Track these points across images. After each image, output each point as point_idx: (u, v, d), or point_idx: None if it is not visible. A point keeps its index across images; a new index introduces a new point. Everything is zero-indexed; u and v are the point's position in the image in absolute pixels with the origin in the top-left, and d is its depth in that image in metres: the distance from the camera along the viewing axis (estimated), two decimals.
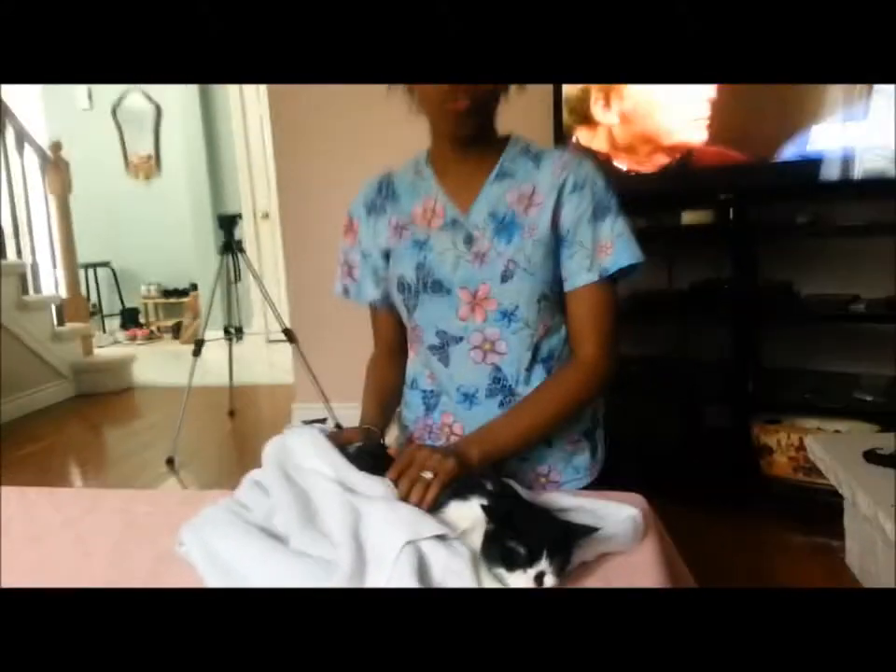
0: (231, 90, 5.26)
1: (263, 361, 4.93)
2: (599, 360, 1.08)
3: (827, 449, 1.65)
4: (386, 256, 1.17)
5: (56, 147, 4.18)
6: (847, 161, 1.85)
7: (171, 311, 6.17)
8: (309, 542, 0.84)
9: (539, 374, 1.11)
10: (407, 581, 0.76)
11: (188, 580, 0.86)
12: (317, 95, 2.80)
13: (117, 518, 1.12)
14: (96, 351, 4.45)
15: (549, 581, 0.75)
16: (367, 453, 0.99)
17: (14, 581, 0.90)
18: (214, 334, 3.24)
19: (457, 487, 0.88)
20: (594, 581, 0.82)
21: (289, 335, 3.00)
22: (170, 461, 2.80)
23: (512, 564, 0.74)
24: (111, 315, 6.30)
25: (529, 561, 0.74)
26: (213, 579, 0.83)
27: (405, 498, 0.86)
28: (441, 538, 0.80)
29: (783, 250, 2.18)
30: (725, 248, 2.14)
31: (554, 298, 1.10)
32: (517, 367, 1.10)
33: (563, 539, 0.77)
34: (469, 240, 1.09)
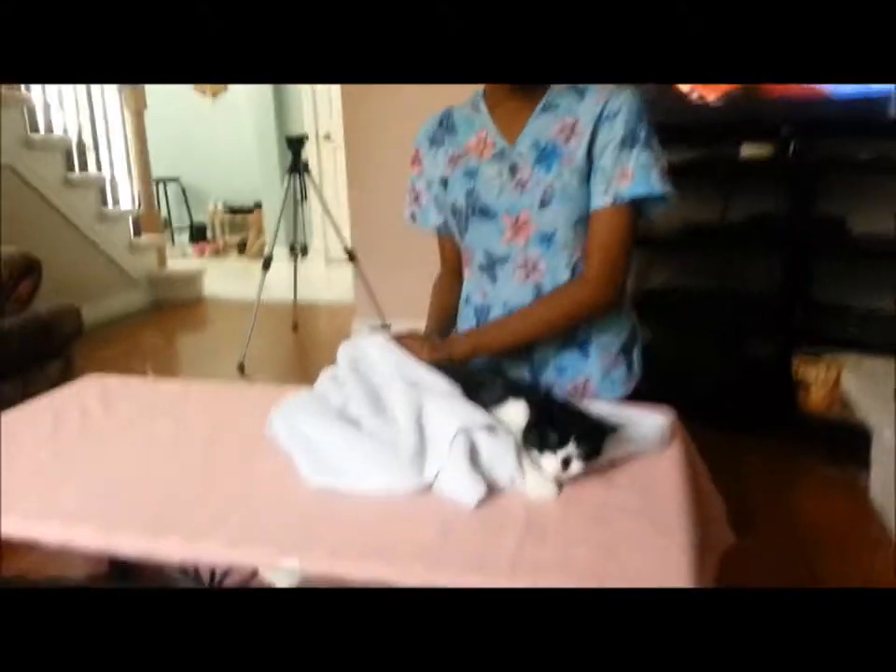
0: None
1: (323, 280, 5.11)
2: (599, 280, 1.17)
3: (860, 380, 1.71)
4: (445, 184, 1.28)
5: None
6: None
7: (236, 227, 6.37)
8: (379, 427, 0.99)
9: None
10: (460, 461, 0.90)
11: (273, 461, 1.01)
12: None
13: (210, 405, 1.29)
14: (169, 263, 4.69)
15: (575, 467, 0.88)
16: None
17: (118, 462, 1.04)
18: (279, 251, 3.40)
19: (513, 388, 1.00)
20: (623, 478, 0.94)
21: (350, 255, 3.13)
22: (241, 367, 3.02)
23: (544, 446, 0.88)
24: (180, 229, 6.55)
25: (558, 444, 0.87)
26: (299, 455, 0.99)
27: None
28: (490, 428, 0.94)
29: (841, 186, 2.19)
30: (783, 182, 2.16)
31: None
32: (557, 285, 1.21)
33: (591, 431, 0.90)
34: (514, 169, 1.20)
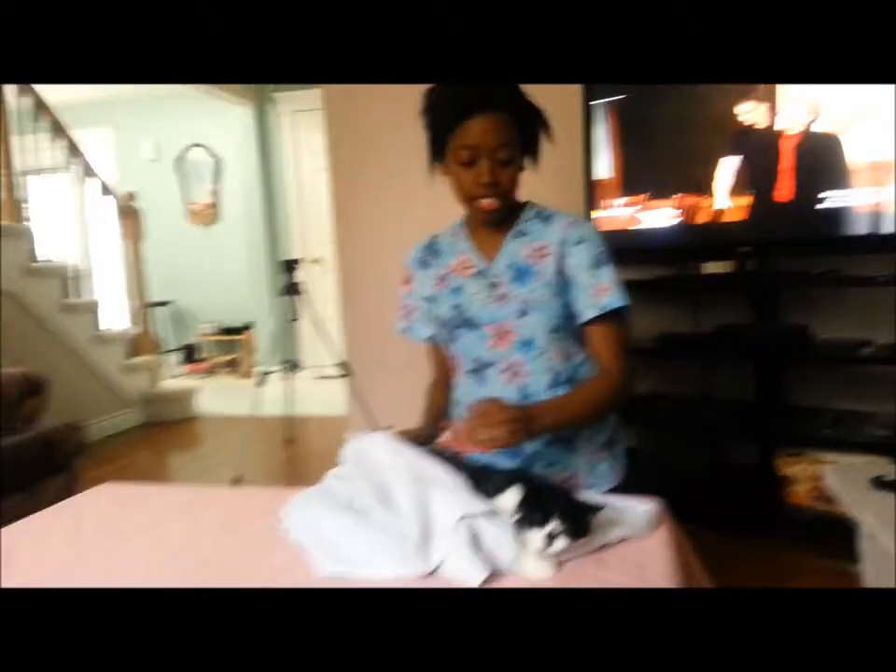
0: (288, 143, 5.66)
1: (314, 396, 5.19)
2: (615, 370, 1.32)
3: (839, 477, 1.80)
4: (433, 300, 1.44)
5: (129, 197, 4.58)
6: (856, 218, 2.04)
7: (226, 348, 6.51)
8: (386, 518, 1.06)
9: (558, 393, 1.33)
10: (463, 548, 0.97)
11: (284, 553, 1.07)
12: (373, 152, 3.08)
13: (219, 507, 1.35)
14: (162, 383, 4.78)
15: (560, 542, 0.96)
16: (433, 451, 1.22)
17: (136, 562, 1.10)
18: (270, 368, 3.51)
19: (512, 477, 1.09)
20: (615, 560, 1.01)
21: (345, 367, 3.25)
22: (237, 480, 3.06)
23: (531, 524, 0.96)
24: (172, 351, 6.67)
25: (542, 521, 0.96)
26: (309, 547, 1.05)
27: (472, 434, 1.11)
28: (490, 515, 1.02)
29: (800, 297, 2.37)
30: (745, 295, 2.34)
31: (567, 330, 1.34)
32: (540, 387, 1.33)
33: (574, 509, 0.99)
34: (493, 285, 1.36)
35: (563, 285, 1.33)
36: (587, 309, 1.32)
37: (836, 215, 2.05)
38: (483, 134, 1.23)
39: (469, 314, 1.37)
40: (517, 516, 0.99)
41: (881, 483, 1.43)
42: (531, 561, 0.97)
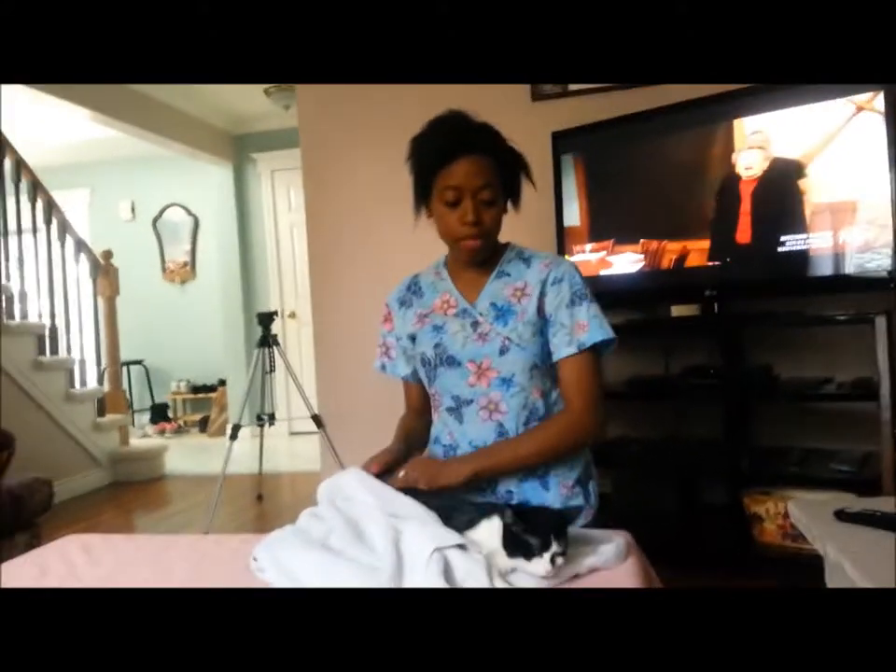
0: (266, 201, 5.74)
1: (286, 452, 5.15)
2: (583, 412, 1.34)
3: (803, 511, 1.83)
4: (413, 338, 1.46)
5: (107, 255, 4.60)
6: (817, 259, 2.12)
7: (198, 406, 6.45)
8: (359, 554, 1.06)
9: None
10: (436, 580, 0.98)
11: None
12: (349, 210, 3.15)
13: (190, 553, 1.34)
14: (131, 441, 4.71)
15: (560, 560, 0.98)
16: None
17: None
18: (245, 423, 3.49)
19: (482, 510, 1.10)
20: (581, 586, 1.02)
21: (317, 421, 3.24)
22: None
23: (531, 554, 0.98)
24: (141, 410, 6.58)
25: (543, 548, 0.98)
26: (283, 585, 1.05)
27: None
28: (462, 548, 1.03)
29: (764, 337, 2.44)
30: (712, 337, 2.40)
31: (544, 367, 1.38)
32: (516, 423, 1.36)
33: (561, 524, 1.02)
34: (475, 324, 1.39)
35: (542, 323, 1.37)
36: (563, 346, 1.36)
37: (797, 257, 2.13)
38: (467, 175, 1.29)
39: (451, 351, 1.39)
40: (513, 548, 1.00)
41: (843, 516, 1.46)
42: None
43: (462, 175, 1.29)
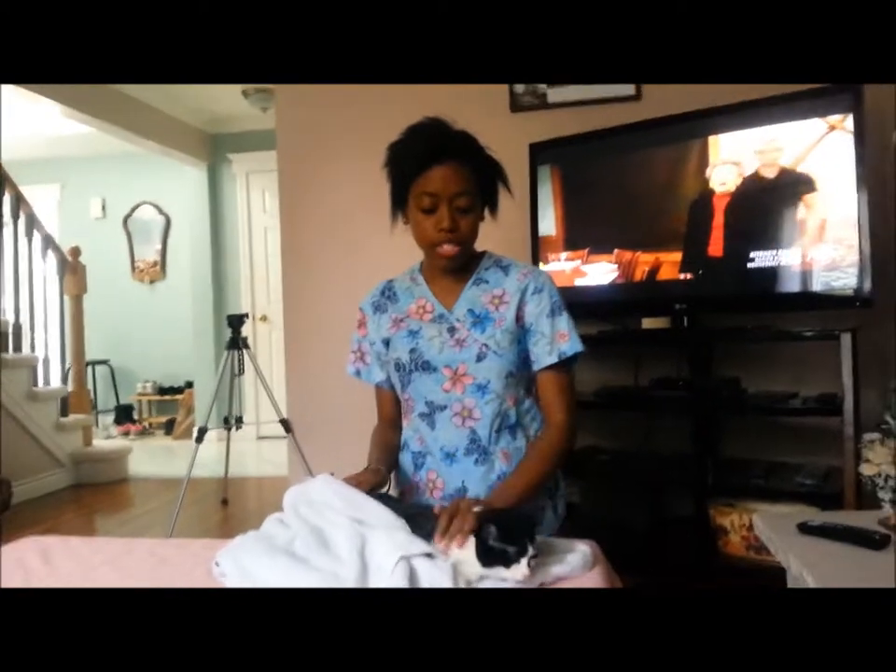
0: (240, 202, 5.69)
1: (254, 456, 5.09)
2: (566, 422, 1.36)
3: (767, 524, 1.85)
4: (387, 343, 1.45)
5: (75, 252, 4.52)
6: (787, 276, 2.16)
7: (164, 408, 6.36)
8: (324, 561, 1.05)
9: (505, 437, 1.37)
10: (401, 586, 0.97)
11: None
12: (324, 215, 3.14)
13: (150, 557, 1.31)
14: (95, 442, 4.61)
15: (534, 562, 0.99)
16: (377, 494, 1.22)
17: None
18: (212, 426, 3.45)
19: None
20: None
21: (286, 425, 3.20)
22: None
23: (510, 562, 0.99)
24: (105, 411, 6.46)
25: (520, 553, 0.99)
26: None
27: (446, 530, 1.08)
28: (428, 557, 1.02)
29: (732, 351, 2.47)
30: (681, 349, 2.42)
31: (519, 375, 1.38)
32: (489, 430, 1.36)
33: (530, 526, 1.04)
34: (452, 330, 1.39)
35: (520, 332, 1.37)
36: (545, 356, 1.36)
37: (767, 273, 2.16)
38: (444, 182, 1.29)
39: (427, 356, 1.38)
40: (491, 558, 1.00)
41: (806, 528, 1.48)
42: None
43: (439, 182, 1.29)
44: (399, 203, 1.38)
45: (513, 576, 0.98)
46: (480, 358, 1.35)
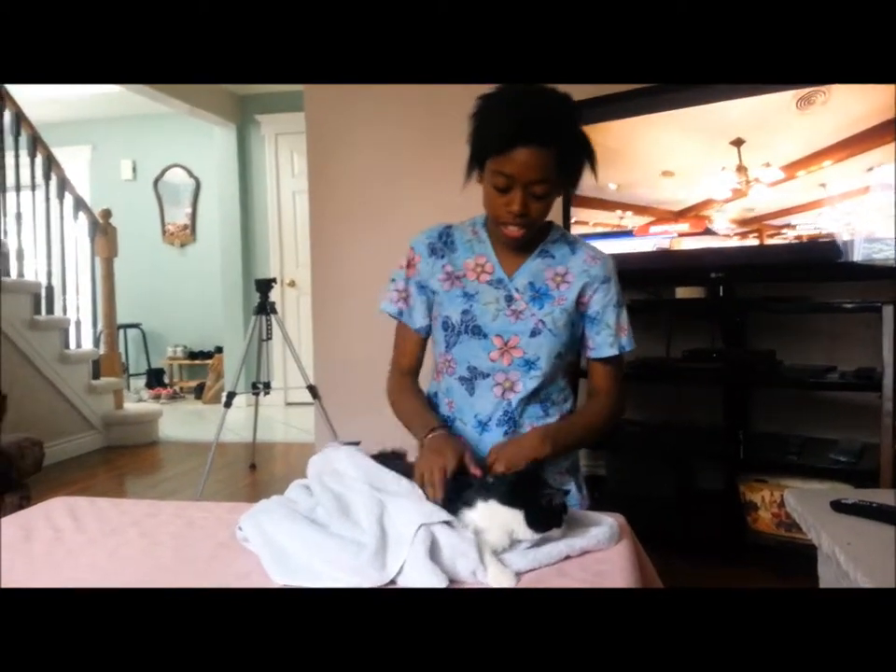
0: (269, 165, 5.66)
1: (281, 421, 5.14)
2: (616, 399, 1.39)
3: (799, 501, 1.82)
4: (437, 296, 1.38)
5: (106, 214, 4.54)
6: (826, 247, 2.08)
7: (194, 372, 6.43)
8: (344, 528, 1.04)
9: (534, 411, 1.35)
10: (421, 557, 0.96)
11: (242, 561, 1.05)
12: (353, 179, 3.10)
13: (176, 519, 1.32)
14: (126, 405, 4.69)
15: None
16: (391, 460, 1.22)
17: (92, 569, 1.07)
18: (240, 390, 3.47)
19: (480, 491, 1.07)
20: (576, 569, 1.01)
21: (313, 391, 3.21)
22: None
23: (559, 522, 1.04)
24: (137, 375, 6.56)
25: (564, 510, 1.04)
26: (266, 556, 1.03)
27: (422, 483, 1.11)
28: (450, 525, 1.00)
29: (768, 323, 2.40)
30: (715, 320, 2.37)
31: (566, 356, 1.36)
32: (522, 406, 1.33)
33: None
34: (510, 299, 1.33)
35: (577, 316, 1.35)
36: (607, 346, 1.35)
37: (804, 242, 2.09)
38: (523, 167, 1.19)
39: (480, 322, 1.33)
40: (539, 527, 1.02)
41: (840, 506, 1.45)
42: (493, 571, 0.95)
43: (517, 166, 1.19)
44: (476, 165, 1.29)
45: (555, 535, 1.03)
46: (534, 334, 1.31)
